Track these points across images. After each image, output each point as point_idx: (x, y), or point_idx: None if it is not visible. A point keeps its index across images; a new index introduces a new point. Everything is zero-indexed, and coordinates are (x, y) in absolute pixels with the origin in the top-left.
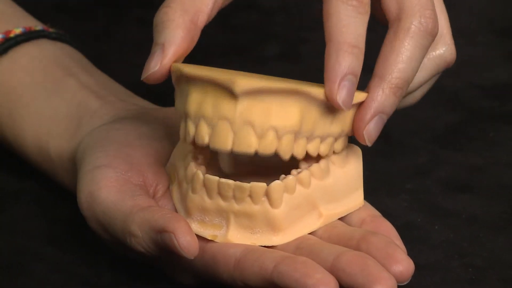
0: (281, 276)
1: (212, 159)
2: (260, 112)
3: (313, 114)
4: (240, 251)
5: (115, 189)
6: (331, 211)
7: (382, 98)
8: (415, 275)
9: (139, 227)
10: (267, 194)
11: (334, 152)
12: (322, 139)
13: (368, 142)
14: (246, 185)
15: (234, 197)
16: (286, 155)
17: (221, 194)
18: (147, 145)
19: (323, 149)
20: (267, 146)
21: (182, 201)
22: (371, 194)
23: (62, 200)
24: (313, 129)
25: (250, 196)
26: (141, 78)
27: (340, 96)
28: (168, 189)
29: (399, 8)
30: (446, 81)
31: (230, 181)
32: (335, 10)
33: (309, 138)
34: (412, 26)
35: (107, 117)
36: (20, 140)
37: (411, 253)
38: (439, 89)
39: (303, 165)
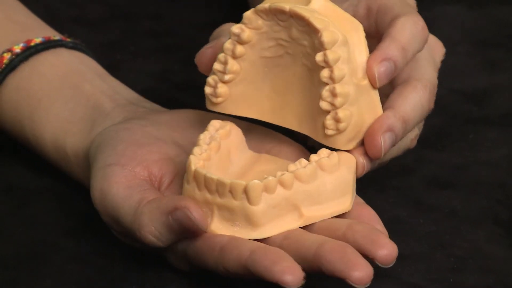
0: (253, 263)
1: (224, 158)
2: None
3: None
4: (225, 240)
5: (124, 185)
6: (313, 213)
7: (393, 119)
8: (402, 265)
9: (148, 217)
10: (245, 192)
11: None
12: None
13: (383, 153)
14: (226, 181)
15: (217, 191)
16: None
17: (207, 187)
18: (152, 144)
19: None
20: (318, 18)
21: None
22: (361, 191)
23: (78, 195)
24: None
25: (230, 191)
26: (195, 58)
27: (379, 69)
28: (172, 181)
29: (408, 75)
30: None
31: (214, 176)
32: (402, 21)
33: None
34: (419, 85)
35: (118, 119)
36: (39, 139)
37: (397, 244)
38: None
39: (290, 168)
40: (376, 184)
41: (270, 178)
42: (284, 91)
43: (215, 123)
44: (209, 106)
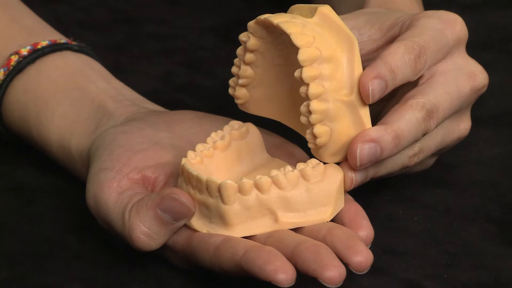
0: (247, 262)
1: (232, 158)
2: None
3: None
4: (220, 240)
5: (116, 191)
6: (290, 219)
7: (383, 133)
8: (397, 261)
9: (137, 217)
10: (219, 191)
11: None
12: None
13: (358, 163)
14: (203, 178)
15: (197, 187)
16: (298, 42)
17: (190, 182)
18: (148, 149)
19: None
20: (301, 34)
21: None
22: (358, 190)
23: (83, 193)
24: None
25: (207, 189)
26: None
27: (372, 85)
28: (167, 183)
29: (411, 95)
30: None
31: (195, 172)
32: (397, 46)
33: (319, 78)
34: (415, 104)
35: (120, 119)
36: (45, 139)
37: (392, 241)
38: None
39: (272, 173)
40: (373, 183)
41: (245, 180)
42: (298, 96)
43: (233, 124)
44: (239, 106)
